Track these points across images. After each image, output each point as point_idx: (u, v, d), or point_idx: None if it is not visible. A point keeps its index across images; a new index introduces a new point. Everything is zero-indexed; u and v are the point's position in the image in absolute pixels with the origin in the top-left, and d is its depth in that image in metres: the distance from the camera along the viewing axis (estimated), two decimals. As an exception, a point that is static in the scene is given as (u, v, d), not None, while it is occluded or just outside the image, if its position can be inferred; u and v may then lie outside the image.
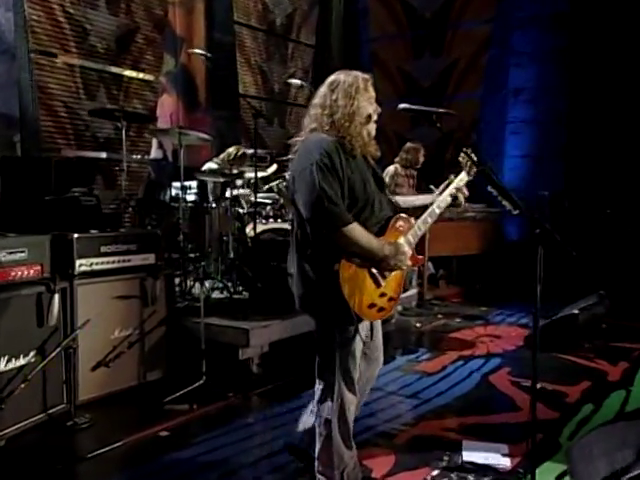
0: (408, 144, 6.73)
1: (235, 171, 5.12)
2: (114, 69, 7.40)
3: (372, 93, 2.71)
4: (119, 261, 4.11)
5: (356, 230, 2.52)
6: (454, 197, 2.91)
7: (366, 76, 2.72)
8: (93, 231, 4.06)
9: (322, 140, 2.58)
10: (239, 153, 5.87)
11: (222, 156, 6.04)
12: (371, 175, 2.72)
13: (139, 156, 7.61)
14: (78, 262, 3.86)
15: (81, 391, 3.84)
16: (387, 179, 6.35)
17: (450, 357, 5.09)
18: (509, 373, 4.67)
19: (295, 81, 5.93)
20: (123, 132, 4.93)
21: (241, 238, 4.93)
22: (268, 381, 4.33)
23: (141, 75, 7.82)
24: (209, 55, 5.05)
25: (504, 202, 2.75)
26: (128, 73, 7.59)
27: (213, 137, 8.49)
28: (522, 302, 6.92)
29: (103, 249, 4.02)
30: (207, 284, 4.98)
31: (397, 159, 6.71)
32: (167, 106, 8.44)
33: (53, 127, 6.85)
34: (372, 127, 2.70)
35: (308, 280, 2.58)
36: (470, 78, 9.54)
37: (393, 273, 2.66)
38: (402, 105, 2.75)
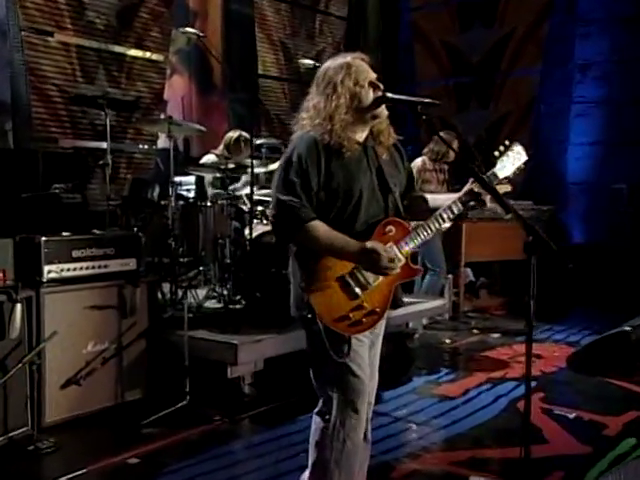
0: (440, 133, 6.66)
1: (231, 165, 5.17)
2: (115, 48, 7.56)
3: (366, 74, 2.72)
4: (94, 267, 4.22)
5: (317, 228, 2.58)
6: (467, 201, 2.86)
7: (350, 59, 2.73)
8: (65, 233, 4.16)
9: (301, 137, 2.66)
10: (240, 138, 5.95)
11: (221, 145, 6.13)
12: (374, 173, 2.74)
13: (145, 146, 7.78)
14: (46, 268, 3.98)
15: (48, 412, 3.95)
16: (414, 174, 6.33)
17: (477, 379, 5.06)
18: (542, 399, 4.62)
19: (307, 61, 5.96)
20: (107, 121, 5.04)
21: (239, 241, 5.00)
22: (261, 403, 4.39)
23: (148, 54, 7.97)
24: (201, 35, 5.10)
25: (491, 204, 2.75)
26: (131, 52, 7.76)
27: (230, 126, 8.80)
28: (579, 316, 6.81)
29: (75, 253, 4.14)
30: (197, 292, 5.06)
31: (425, 150, 6.69)
32: (178, 88, 8.59)
33: (46, 114, 7.06)
34: (376, 112, 2.70)
35: (295, 281, 2.68)
36: (528, 51, 9.38)
37: (376, 283, 2.66)
38: (388, 94, 2.75)
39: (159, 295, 5.06)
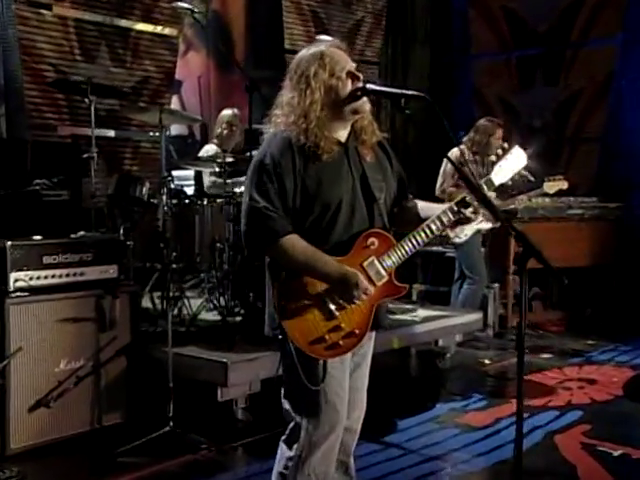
0: (481, 120, 6.66)
1: (230, 158, 5.27)
2: (119, 22, 7.73)
3: (343, 64, 2.76)
4: (68, 274, 4.36)
5: (293, 243, 2.63)
6: (457, 212, 2.89)
7: (324, 48, 2.77)
8: (37, 237, 4.32)
9: (274, 136, 2.73)
10: (232, 121, 6.06)
11: (218, 129, 6.23)
12: (357, 179, 2.78)
13: (156, 133, 7.92)
14: (13, 276, 4.14)
15: (13, 438, 4.09)
16: (447, 167, 6.34)
17: (512, 407, 5.00)
18: (585, 433, 4.59)
19: (325, 37, 6.03)
20: (92, 109, 5.19)
21: (239, 245, 5.09)
22: (256, 430, 4.45)
23: (159, 29, 8.13)
24: (196, 10, 5.21)
25: (481, 211, 2.79)
26: (138, 27, 7.93)
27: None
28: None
29: (47, 260, 4.29)
30: (191, 302, 5.18)
31: (465, 139, 6.67)
32: (194, 67, 8.75)
33: (40, 98, 7.27)
34: (355, 106, 2.75)
35: (269, 296, 2.76)
36: (605, 17, 9.20)
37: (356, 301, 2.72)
38: (368, 85, 2.80)
39: (151, 306, 5.20)
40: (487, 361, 6.19)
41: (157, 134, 7.60)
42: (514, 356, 6.20)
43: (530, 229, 7.04)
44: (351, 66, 2.78)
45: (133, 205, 5.21)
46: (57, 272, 4.32)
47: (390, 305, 5.87)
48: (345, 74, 2.74)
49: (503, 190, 6.97)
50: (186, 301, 5.23)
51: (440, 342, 5.90)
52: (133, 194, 5.14)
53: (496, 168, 2.94)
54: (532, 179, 6.48)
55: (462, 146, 6.62)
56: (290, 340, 2.67)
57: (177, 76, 8.43)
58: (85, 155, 5.20)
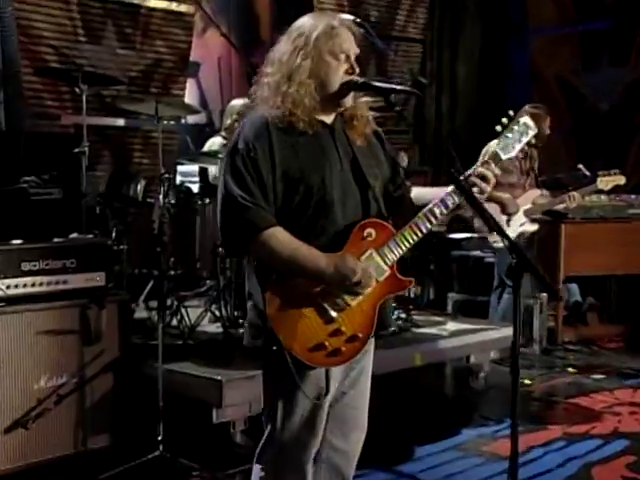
0: (525, 107, 6.64)
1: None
2: (127, -2, 7.90)
3: (347, 45, 2.76)
4: (50, 283, 4.45)
5: (276, 237, 2.66)
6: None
7: (336, 22, 2.80)
8: (16, 241, 4.43)
9: (249, 118, 2.78)
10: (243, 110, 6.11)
11: (227, 120, 6.29)
12: (347, 162, 2.82)
13: (171, 122, 8.02)
14: (-13, 284, 4.26)
15: (-14, 461, 4.19)
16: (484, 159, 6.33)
17: (549, 434, 5.06)
18: (628, 465, 4.58)
19: (347, 16, 6.05)
20: (84, 99, 5.32)
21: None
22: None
23: (173, 5, 8.23)
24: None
25: (477, 222, 2.82)
26: (149, 3, 8.05)
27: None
28: None
29: (26, 266, 4.38)
30: (189, 312, 5.29)
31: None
32: (213, 46, 8.85)
33: (40, 84, 7.43)
34: (341, 100, 2.79)
35: (253, 301, 2.80)
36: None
37: (355, 302, 2.75)
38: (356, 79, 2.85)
39: (148, 317, 5.32)
40: (528, 381, 6.19)
41: (172, 122, 7.81)
42: (562, 375, 6.28)
43: (584, 231, 7.03)
44: (353, 53, 2.81)
45: (127, 205, 5.33)
46: (37, 280, 4.41)
47: (416, 317, 5.99)
48: (344, 58, 2.78)
49: (554, 185, 6.96)
50: (185, 311, 5.31)
51: (472, 359, 5.90)
52: (127, 193, 5.27)
53: (502, 139, 2.93)
54: (587, 173, 6.47)
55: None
56: (286, 350, 2.68)
57: (194, 58, 8.53)
58: (76, 150, 5.29)
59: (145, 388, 4.64)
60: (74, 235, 5.05)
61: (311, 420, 2.82)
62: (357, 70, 2.81)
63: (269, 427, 2.86)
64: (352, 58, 2.80)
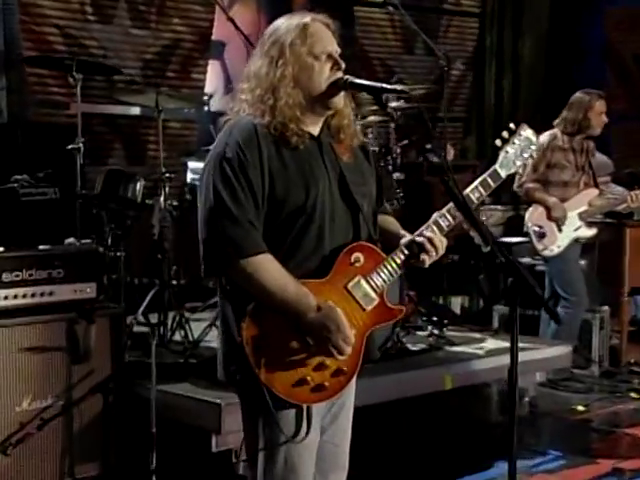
0: (576, 94, 6.62)
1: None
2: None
3: (325, 43, 2.84)
4: (34, 294, 4.54)
5: (264, 267, 2.72)
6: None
7: (308, 20, 2.85)
8: (-1, 248, 4.57)
9: (236, 123, 2.84)
10: None
11: None
12: (335, 179, 2.89)
13: (192, 110, 8.09)
14: (-35, 297, 4.37)
15: (-39, 490, 4.28)
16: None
17: (597, 468, 5.04)
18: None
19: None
20: (78, 89, 5.43)
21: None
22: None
23: (194, -21, 8.35)
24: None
25: (472, 233, 2.87)
26: (166, -23, 8.18)
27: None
28: None
29: (7, 277, 4.47)
30: (189, 326, 5.39)
31: (557, 121, 6.65)
32: (241, 24, 8.91)
33: (45, 68, 7.56)
34: (330, 101, 2.86)
35: (227, 331, 2.86)
36: None
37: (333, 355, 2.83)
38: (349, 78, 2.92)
39: (149, 332, 5.41)
40: (582, 407, 6.14)
41: (192, 110, 7.92)
42: (623, 401, 6.23)
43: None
44: (334, 50, 2.88)
45: (124, 207, 5.42)
46: (20, 291, 4.50)
47: (452, 333, 6.01)
48: (325, 57, 2.85)
49: (629, 181, 6.91)
50: (187, 325, 5.40)
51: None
52: (124, 194, 5.34)
53: (501, 156, 3.03)
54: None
55: (555, 129, 6.61)
56: (264, 387, 2.74)
57: (218, 36, 8.60)
58: (69, 146, 5.39)
59: (138, 411, 4.71)
60: (70, 240, 5.15)
61: (296, 465, 2.87)
62: (343, 66, 2.88)
63: (250, 474, 2.95)
64: (335, 54, 2.87)
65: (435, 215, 2.98)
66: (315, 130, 2.91)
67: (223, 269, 2.82)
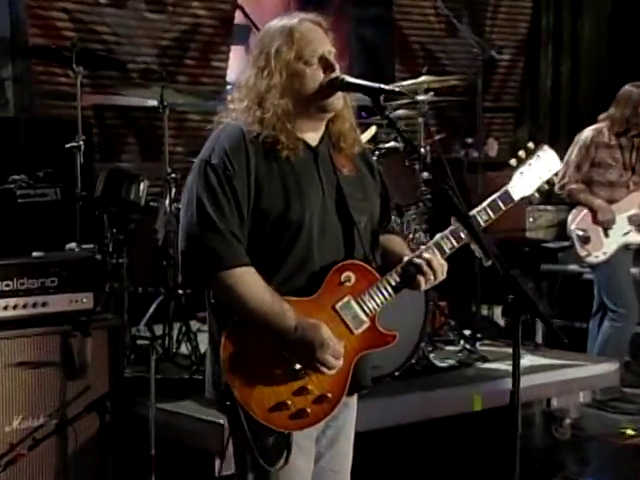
0: (625, 87, 6.61)
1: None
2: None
3: (315, 46, 2.91)
4: (25, 305, 4.63)
5: (245, 281, 2.79)
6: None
7: (295, 22, 2.93)
8: (-12, 257, 4.66)
9: (224, 129, 2.93)
10: None
11: None
12: (330, 193, 2.95)
13: (212, 101, 8.15)
14: (-49, 308, 4.46)
15: (-53, 515, 4.37)
16: (573, 154, 6.36)
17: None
18: None
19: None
20: (78, 82, 5.54)
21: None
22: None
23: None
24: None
25: (472, 246, 2.90)
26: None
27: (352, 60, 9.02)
28: None
29: (-4, 286, 4.60)
30: (195, 339, 5.46)
31: (602, 116, 6.65)
32: (269, 5, 8.99)
33: (67, 51, 7.63)
34: (325, 103, 2.92)
35: (214, 347, 2.96)
36: None
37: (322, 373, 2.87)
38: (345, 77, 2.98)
39: (149, 345, 5.50)
40: (631, 431, 6.12)
41: (213, 101, 7.98)
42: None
43: None
44: (327, 51, 2.95)
45: (127, 210, 5.50)
46: (10, 302, 4.58)
47: (485, 348, 6.03)
48: (317, 60, 2.92)
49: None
50: (194, 338, 5.49)
51: (554, 402, 5.89)
52: (126, 196, 5.42)
53: (515, 176, 3.07)
54: None
55: (601, 124, 6.60)
56: (240, 405, 2.83)
57: (243, 20, 8.65)
58: (68, 145, 5.47)
59: (137, 432, 4.77)
60: (71, 246, 5.24)
61: None
62: (336, 67, 2.94)
63: None
64: (327, 55, 2.93)
65: (437, 236, 3.04)
66: (313, 138, 2.98)
67: (203, 281, 2.92)
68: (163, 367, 5.34)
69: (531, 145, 3.08)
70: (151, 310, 5.56)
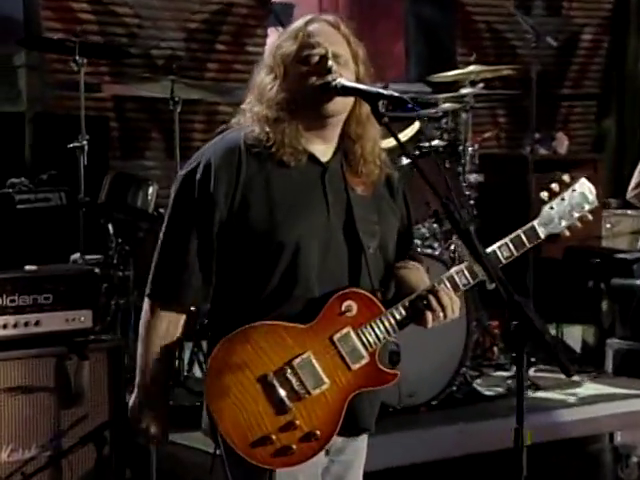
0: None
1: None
2: None
3: (315, 40, 2.97)
4: (16, 325, 4.75)
5: (154, 326, 2.96)
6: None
7: (304, 22, 3.01)
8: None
9: (223, 137, 3.05)
10: None
11: None
12: (338, 212, 3.01)
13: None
14: None
15: None
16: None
17: None
18: None
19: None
20: (82, 74, 5.68)
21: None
22: None
23: None
24: None
25: (475, 268, 2.95)
26: None
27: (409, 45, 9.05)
28: None
29: (-16, 304, 4.72)
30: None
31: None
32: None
33: (70, 42, 7.82)
34: (324, 109, 2.97)
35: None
36: None
37: (318, 391, 2.91)
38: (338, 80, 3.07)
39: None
40: None
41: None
42: None
43: None
44: (331, 53, 2.98)
45: (134, 218, 5.60)
46: (0, 321, 4.73)
47: (540, 374, 6.02)
48: (316, 60, 2.98)
49: None
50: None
51: (618, 438, 5.89)
52: (133, 202, 5.51)
53: (544, 210, 3.09)
54: None
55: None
56: (221, 437, 2.91)
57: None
58: (70, 145, 5.59)
59: (138, 465, 4.94)
60: (76, 257, 5.37)
61: None
62: (334, 68, 2.97)
63: None
64: (330, 56, 2.98)
65: (452, 270, 3.07)
66: (321, 152, 3.04)
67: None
68: (173, 393, 5.40)
69: (566, 178, 3.08)
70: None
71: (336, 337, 2.91)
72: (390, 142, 5.17)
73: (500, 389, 5.84)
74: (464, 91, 5.91)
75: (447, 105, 6.15)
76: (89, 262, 5.64)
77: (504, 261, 3.05)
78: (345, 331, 2.92)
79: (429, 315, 2.95)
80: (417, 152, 5.74)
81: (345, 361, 2.91)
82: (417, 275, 3.17)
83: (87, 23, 7.69)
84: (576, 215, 3.09)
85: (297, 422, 2.89)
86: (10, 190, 5.58)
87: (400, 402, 5.00)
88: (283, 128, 2.93)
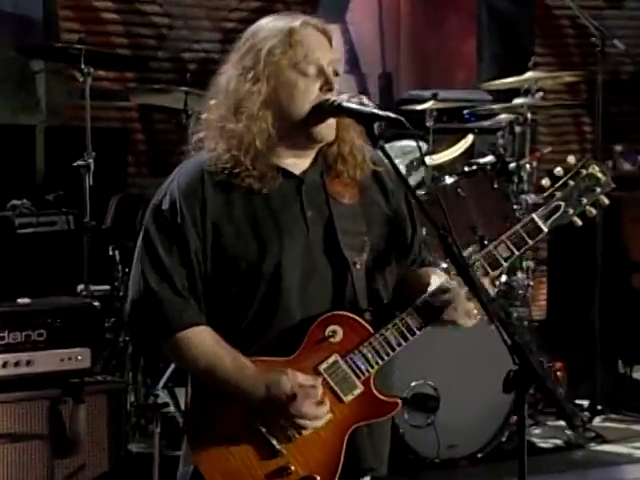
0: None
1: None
2: None
3: (316, 54, 3.05)
4: (5, 364, 4.88)
5: (192, 341, 3.01)
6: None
7: (298, 24, 3.06)
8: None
9: (184, 166, 3.15)
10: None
11: None
12: (318, 230, 3.11)
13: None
14: None
15: None
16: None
17: None
18: None
19: None
20: (87, 85, 5.86)
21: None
22: None
23: None
24: None
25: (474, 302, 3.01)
26: None
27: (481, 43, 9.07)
28: None
29: (-29, 341, 4.86)
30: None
31: None
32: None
33: (91, 44, 7.99)
34: (315, 131, 3.07)
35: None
36: None
37: (310, 430, 3.01)
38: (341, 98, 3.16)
39: (172, 410, 5.73)
40: None
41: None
42: None
43: None
44: (328, 64, 3.09)
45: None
46: None
47: (602, 424, 6.05)
48: (315, 72, 3.07)
49: None
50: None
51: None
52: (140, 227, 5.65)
53: (546, 200, 3.13)
54: None
55: None
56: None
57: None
58: (75, 163, 5.74)
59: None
60: (80, 287, 5.52)
61: None
62: (335, 86, 3.08)
63: None
64: (328, 70, 3.07)
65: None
66: (297, 166, 3.14)
67: (154, 344, 3.16)
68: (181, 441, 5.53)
69: (571, 159, 3.12)
70: (171, 369, 5.62)
71: (322, 367, 2.98)
72: (440, 158, 5.33)
73: (558, 441, 5.81)
74: (517, 101, 5.94)
75: (503, 116, 6.20)
76: (94, 293, 5.72)
77: (504, 263, 3.10)
78: (332, 359, 2.99)
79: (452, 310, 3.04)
80: (466, 169, 5.73)
81: (336, 393, 2.99)
82: (425, 280, 3.17)
83: (110, 24, 7.89)
84: (586, 201, 3.12)
85: (291, 467, 2.98)
86: (10, 213, 5.67)
87: (439, 454, 5.05)
88: (256, 152, 3.01)
